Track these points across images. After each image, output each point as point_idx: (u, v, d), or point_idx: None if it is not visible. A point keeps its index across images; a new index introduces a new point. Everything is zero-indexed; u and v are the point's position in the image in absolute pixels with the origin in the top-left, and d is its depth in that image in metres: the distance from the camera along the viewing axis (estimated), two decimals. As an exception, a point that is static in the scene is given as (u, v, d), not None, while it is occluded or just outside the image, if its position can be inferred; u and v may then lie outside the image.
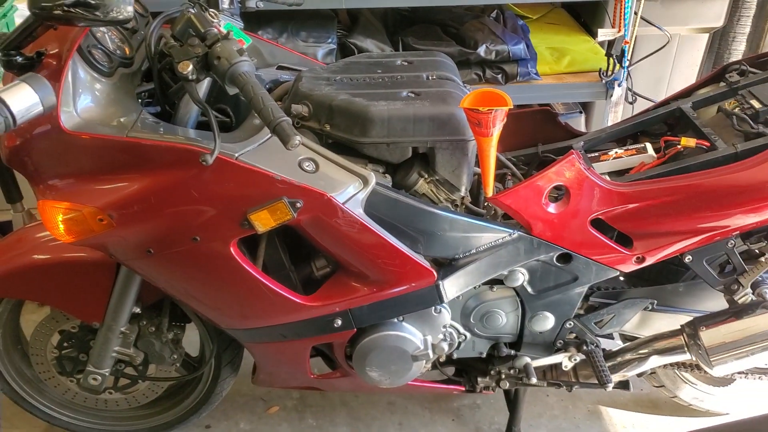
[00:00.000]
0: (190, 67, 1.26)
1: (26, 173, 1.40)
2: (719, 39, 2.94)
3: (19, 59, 1.26)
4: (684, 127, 1.77)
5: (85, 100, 1.31)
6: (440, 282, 1.55)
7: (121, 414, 2.03)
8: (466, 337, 1.76)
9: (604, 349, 1.85)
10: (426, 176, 1.53)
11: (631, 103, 2.49)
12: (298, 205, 1.35)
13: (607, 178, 1.71)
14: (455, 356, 1.80)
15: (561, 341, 1.78)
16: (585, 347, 1.76)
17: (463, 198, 1.58)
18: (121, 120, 1.33)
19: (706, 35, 2.78)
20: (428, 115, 1.45)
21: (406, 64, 1.67)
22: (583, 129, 2.51)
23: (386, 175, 1.52)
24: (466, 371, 1.93)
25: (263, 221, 1.36)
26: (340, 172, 1.40)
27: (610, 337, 1.84)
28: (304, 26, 2.20)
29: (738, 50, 2.91)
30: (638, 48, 2.59)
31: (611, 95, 2.29)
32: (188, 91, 1.30)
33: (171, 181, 1.33)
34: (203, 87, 1.43)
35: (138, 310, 1.72)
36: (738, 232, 1.59)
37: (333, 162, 1.41)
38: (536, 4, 2.63)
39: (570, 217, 1.56)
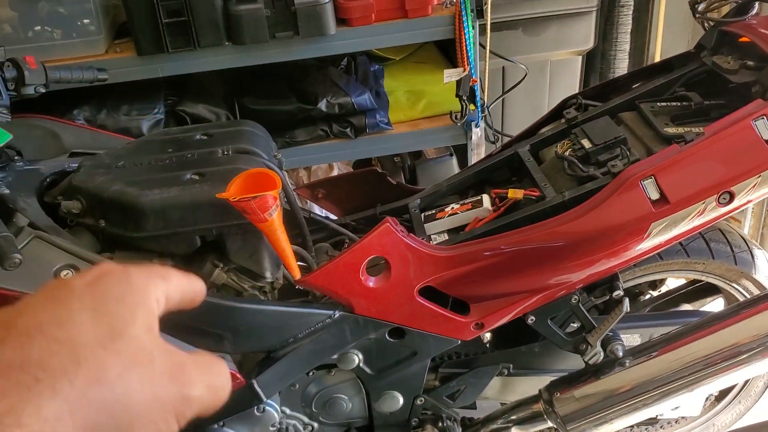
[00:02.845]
0: None
1: None
2: (600, 59, 2.84)
3: None
4: (524, 174, 1.63)
5: None
6: (254, 381, 1.38)
7: None
8: (313, 427, 1.60)
9: (472, 419, 1.70)
10: (222, 265, 1.37)
11: (493, 143, 2.37)
12: (52, 324, 1.17)
13: (444, 237, 1.59)
14: (305, 449, 1.63)
15: (416, 419, 1.62)
16: (441, 423, 1.60)
17: (272, 283, 1.43)
18: None
19: (580, 57, 2.68)
20: (208, 200, 1.30)
21: (205, 138, 1.52)
22: (456, 171, 2.38)
23: (174, 270, 1.36)
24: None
25: (14, 346, 1.18)
26: (106, 277, 1.23)
27: (472, 407, 1.68)
28: (125, 98, 2.03)
29: (621, 68, 2.82)
30: (509, 80, 2.48)
31: (471, 137, 2.15)
32: None
33: None
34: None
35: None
36: (581, 286, 1.45)
37: (99, 266, 1.24)
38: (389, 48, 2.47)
39: (394, 290, 1.41)
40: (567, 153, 1.53)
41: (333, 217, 1.80)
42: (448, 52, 2.59)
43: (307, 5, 1.89)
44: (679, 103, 1.58)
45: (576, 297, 1.47)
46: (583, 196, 1.40)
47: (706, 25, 1.64)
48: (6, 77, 1.47)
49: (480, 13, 1.95)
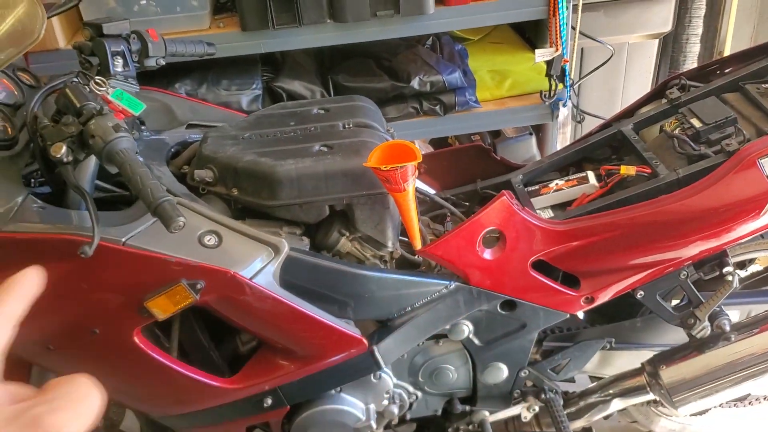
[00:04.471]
0: (64, 149, 1.15)
1: None
2: (672, 43, 2.84)
3: None
4: (627, 151, 1.66)
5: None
6: (374, 347, 1.43)
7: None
8: (417, 396, 1.64)
9: (567, 392, 1.74)
10: (348, 234, 1.42)
11: (579, 122, 2.39)
12: (199, 286, 1.22)
13: (549, 213, 1.62)
14: (408, 417, 1.68)
15: (518, 391, 1.66)
16: (543, 395, 1.64)
17: (392, 253, 1.47)
18: (-1, 210, 1.22)
19: (656, 41, 2.68)
20: (340, 171, 1.34)
21: (322, 112, 1.56)
22: (535, 151, 2.41)
23: (303, 237, 1.40)
24: (427, 428, 1.81)
25: (162, 308, 1.24)
26: (246, 243, 1.28)
27: (571, 380, 1.72)
28: (225, 73, 2.08)
29: (693, 52, 2.81)
30: (587, 61, 2.49)
31: (557, 116, 2.18)
32: (63, 176, 1.19)
33: (57, 274, 1.20)
34: (91, 163, 1.32)
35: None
36: (690, 262, 1.48)
37: (239, 232, 1.29)
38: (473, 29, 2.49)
39: (508, 262, 1.45)
40: (676, 131, 1.55)
41: (432, 191, 1.83)
42: (524, 33, 2.61)
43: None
44: (785, 85, 1.59)
45: (685, 272, 1.49)
46: (698, 174, 1.43)
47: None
48: (132, 49, 1.51)
49: (573, -6, 1.97)
